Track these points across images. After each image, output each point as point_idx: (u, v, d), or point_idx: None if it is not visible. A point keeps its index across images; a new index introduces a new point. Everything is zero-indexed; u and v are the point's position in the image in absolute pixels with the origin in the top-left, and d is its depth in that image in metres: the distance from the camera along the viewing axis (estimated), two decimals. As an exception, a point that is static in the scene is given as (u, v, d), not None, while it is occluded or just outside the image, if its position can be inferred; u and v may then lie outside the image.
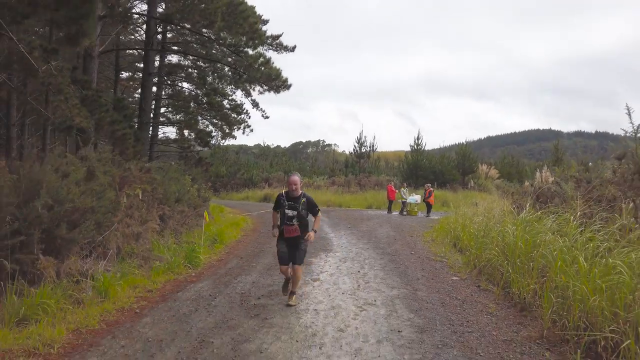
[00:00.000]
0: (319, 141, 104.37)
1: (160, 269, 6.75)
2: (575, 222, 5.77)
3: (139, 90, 19.79)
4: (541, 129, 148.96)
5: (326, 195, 28.77)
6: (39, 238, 5.70)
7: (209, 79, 16.51)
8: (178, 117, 21.46)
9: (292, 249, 5.24)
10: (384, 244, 10.07)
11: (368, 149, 38.08)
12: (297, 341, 4.03)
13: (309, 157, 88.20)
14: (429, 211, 19.09)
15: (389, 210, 20.19)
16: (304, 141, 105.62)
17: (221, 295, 5.66)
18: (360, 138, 37.27)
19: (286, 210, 5.17)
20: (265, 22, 17.57)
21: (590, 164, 11.35)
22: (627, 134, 7.73)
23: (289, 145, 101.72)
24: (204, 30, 14.03)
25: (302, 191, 5.30)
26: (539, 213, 6.78)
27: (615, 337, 3.47)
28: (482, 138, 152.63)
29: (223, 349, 3.86)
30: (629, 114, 6.86)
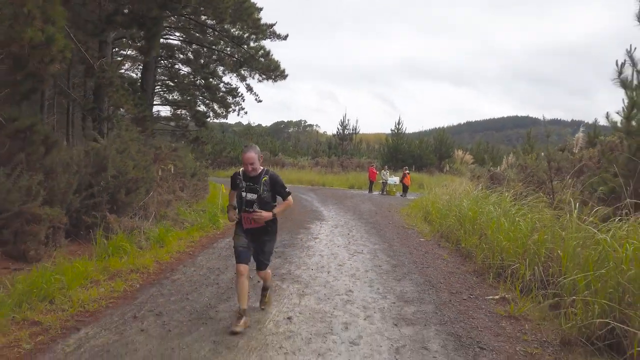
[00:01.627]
0: (300, 121, 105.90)
1: (194, 227, 8.71)
2: (509, 198, 7.98)
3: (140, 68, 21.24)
4: (519, 115, 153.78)
5: (310, 175, 30.80)
6: (106, 200, 7.61)
7: (211, 65, 18.13)
8: (171, 96, 23.06)
9: (255, 245, 4.16)
10: (366, 216, 12.23)
11: (351, 132, 40.11)
12: (312, 269, 6.12)
13: (290, 136, 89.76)
14: (404, 191, 21.38)
15: (370, 190, 22.42)
16: (285, 121, 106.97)
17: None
18: (344, 121, 39.23)
19: (243, 193, 4.05)
20: (260, 9, 19.26)
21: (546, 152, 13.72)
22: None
23: (270, 124, 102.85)
24: (207, 21, 15.64)
25: (263, 168, 4.15)
26: (487, 191, 9.00)
27: (515, 267, 5.65)
28: (462, 123, 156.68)
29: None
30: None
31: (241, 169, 4.17)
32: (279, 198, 4.24)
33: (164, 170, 9.33)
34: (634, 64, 6.89)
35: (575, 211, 4.99)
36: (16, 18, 3.77)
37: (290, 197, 4.21)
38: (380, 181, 22.27)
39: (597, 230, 4.16)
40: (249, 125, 76.63)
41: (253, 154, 4.03)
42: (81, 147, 7.61)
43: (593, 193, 6.63)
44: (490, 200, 8.36)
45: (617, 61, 6.96)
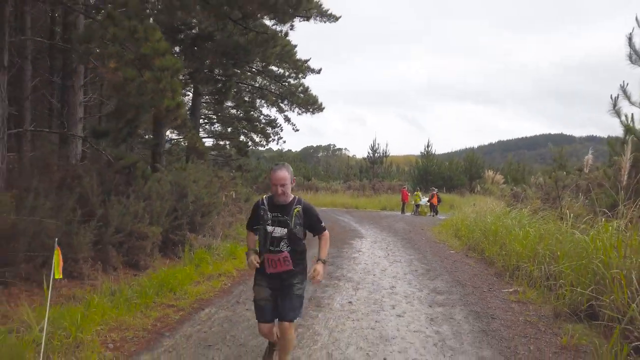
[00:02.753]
0: (329, 145, 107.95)
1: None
2: (527, 213, 9.35)
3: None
4: (552, 133, 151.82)
5: (343, 198, 32.41)
6: (187, 222, 9.41)
7: (253, 100, 20.24)
8: (212, 127, 25.32)
9: (280, 293, 3.38)
10: (401, 234, 13.69)
11: (381, 155, 41.67)
12: (360, 273, 7.66)
13: (320, 161, 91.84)
14: (432, 210, 22.69)
15: (402, 211, 23.81)
16: (314, 145, 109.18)
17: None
18: (374, 145, 40.87)
19: (269, 228, 3.32)
20: (295, 46, 21.38)
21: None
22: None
23: (300, 149, 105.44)
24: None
25: (294, 196, 3.42)
26: (508, 209, 10.37)
27: (526, 267, 7.03)
28: (493, 142, 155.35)
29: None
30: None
31: (264, 196, 3.47)
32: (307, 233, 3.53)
33: (227, 196, 11.12)
34: (627, 97, 8.33)
35: (570, 221, 6.40)
36: (155, 92, 5.58)
37: (326, 233, 3.52)
38: (413, 202, 23.67)
39: (580, 233, 5.59)
40: (279, 151, 79.36)
41: (286, 174, 3.26)
42: (165, 179, 9.43)
43: (597, 207, 7.98)
44: (510, 215, 9.75)
45: (611, 95, 8.40)
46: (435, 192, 23.32)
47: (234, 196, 11.31)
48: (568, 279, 5.33)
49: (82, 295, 5.58)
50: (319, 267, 3.38)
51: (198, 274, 7.24)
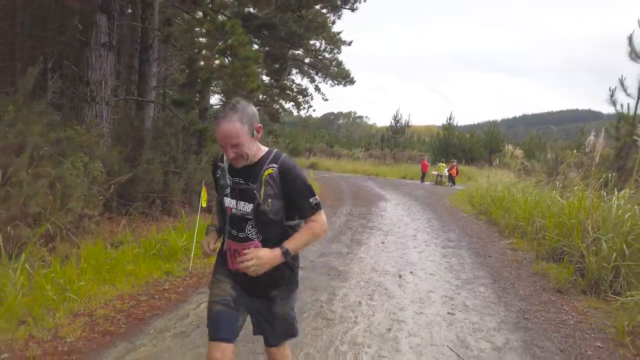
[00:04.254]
0: (350, 112, 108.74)
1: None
2: (531, 184, 11.15)
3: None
4: (580, 109, 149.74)
5: (365, 166, 34.32)
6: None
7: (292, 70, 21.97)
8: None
9: (254, 306, 2.25)
10: (421, 199, 15.63)
11: (403, 125, 43.14)
12: (388, 225, 9.65)
13: (340, 128, 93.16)
14: (450, 180, 24.49)
15: (422, 180, 25.64)
16: (335, 112, 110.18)
17: (337, 215, 11.33)
18: (397, 115, 42.29)
19: (226, 201, 2.16)
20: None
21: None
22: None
23: (320, 115, 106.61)
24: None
25: (268, 150, 2.16)
26: (516, 180, 12.17)
27: (523, 225, 8.90)
28: (517, 116, 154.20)
29: (355, 221, 9.51)
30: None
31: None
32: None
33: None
34: (624, 89, 9.97)
35: (559, 190, 8.24)
36: (245, 76, 7.49)
37: (321, 216, 2.14)
38: (434, 172, 25.49)
39: (563, 200, 7.44)
40: (299, 116, 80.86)
41: (236, 126, 1.96)
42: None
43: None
44: (517, 186, 11.57)
45: (609, 87, 10.05)
46: (454, 164, 25.03)
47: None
48: (550, 232, 7.22)
49: (182, 227, 7.70)
50: (266, 253, 2.01)
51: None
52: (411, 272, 5.93)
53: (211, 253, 2.27)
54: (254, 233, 2.10)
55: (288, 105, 25.71)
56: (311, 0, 9.13)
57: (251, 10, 9.95)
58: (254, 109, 2.07)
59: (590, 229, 5.98)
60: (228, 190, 2.15)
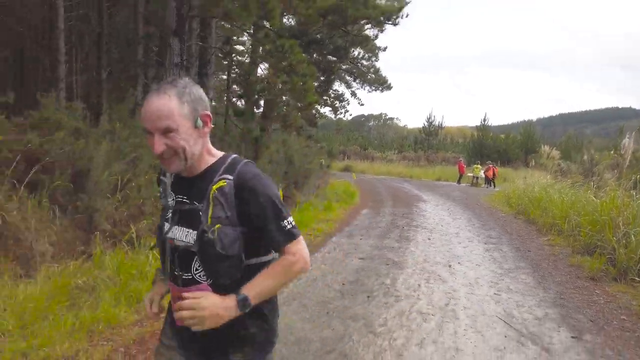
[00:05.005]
0: (380, 114, 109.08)
1: (339, 202, 13.45)
2: (567, 185, 11.79)
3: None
4: (620, 107, 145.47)
5: (399, 168, 35.02)
6: (293, 182, 12.54)
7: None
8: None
9: None
10: (459, 200, 16.37)
11: (436, 127, 43.59)
12: (431, 224, 10.51)
13: (370, 130, 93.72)
14: (487, 182, 24.96)
15: (459, 181, 26.22)
16: (365, 114, 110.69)
17: (381, 215, 12.26)
18: (430, 117, 42.80)
19: (166, 226, 1.57)
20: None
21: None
22: None
23: (351, 117, 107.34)
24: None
25: (223, 155, 1.58)
26: (553, 181, 12.80)
27: (560, 223, 9.61)
28: (554, 115, 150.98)
29: (399, 219, 10.42)
30: None
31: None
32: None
33: (318, 162, 14.16)
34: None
35: (594, 191, 8.94)
36: (303, 91, 8.54)
37: (299, 245, 1.53)
38: (470, 174, 26.05)
39: (597, 199, 8.16)
40: (330, 119, 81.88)
41: (171, 105, 1.40)
42: (281, 149, 12.55)
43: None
44: (554, 187, 12.22)
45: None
46: (491, 166, 25.47)
47: (323, 163, 14.33)
48: (584, 228, 7.96)
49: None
50: (214, 301, 1.43)
51: (314, 218, 10.37)
52: (459, 263, 6.82)
53: (155, 318, 1.73)
54: (201, 274, 1.49)
55: (324, 109, 26.79)
56: (357, 18, 10.09)
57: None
58: (201, 92, 1.50)
59: (620, 224, 6.73)
60: (169, 214, 1.56)
